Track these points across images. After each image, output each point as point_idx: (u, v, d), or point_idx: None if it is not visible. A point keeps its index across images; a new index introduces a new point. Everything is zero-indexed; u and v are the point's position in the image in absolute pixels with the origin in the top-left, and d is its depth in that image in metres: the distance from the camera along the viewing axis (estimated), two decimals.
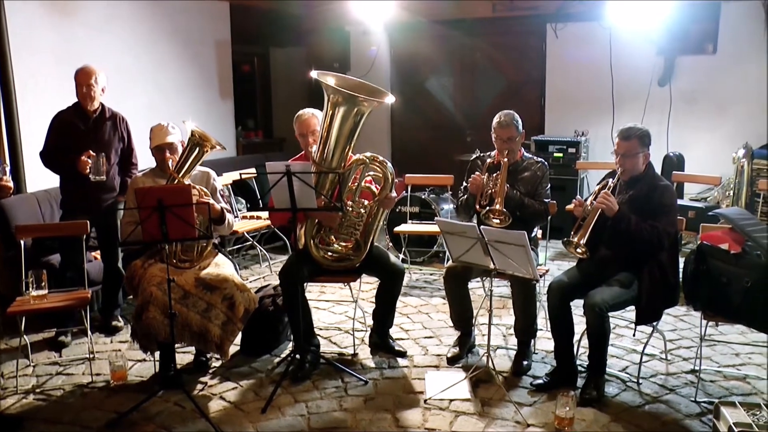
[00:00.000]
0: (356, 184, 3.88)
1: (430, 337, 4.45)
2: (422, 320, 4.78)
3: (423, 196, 6.26)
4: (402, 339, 4.39)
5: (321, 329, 4.62)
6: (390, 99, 3.72)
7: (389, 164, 3.90)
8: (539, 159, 4.08)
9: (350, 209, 3.87)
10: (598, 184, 3.66)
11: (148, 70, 6.44)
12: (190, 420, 3.36)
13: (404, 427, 3.26)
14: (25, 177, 5.22)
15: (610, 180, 3.57)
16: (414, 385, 3.72)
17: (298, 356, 3.81)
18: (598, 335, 3.38)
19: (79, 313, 4.27)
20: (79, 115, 4.38)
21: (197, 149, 3.71)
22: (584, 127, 7.05)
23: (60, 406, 3.61)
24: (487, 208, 3.77)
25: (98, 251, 4.73)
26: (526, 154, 4.11)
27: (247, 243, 6.38)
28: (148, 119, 5.70)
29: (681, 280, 3.54)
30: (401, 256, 6.08)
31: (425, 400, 3.51)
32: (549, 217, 4.21)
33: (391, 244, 6.33)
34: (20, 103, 5.16)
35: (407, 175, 6.04)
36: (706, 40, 6.89)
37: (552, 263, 5.91)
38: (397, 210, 6.32)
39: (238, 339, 4.21)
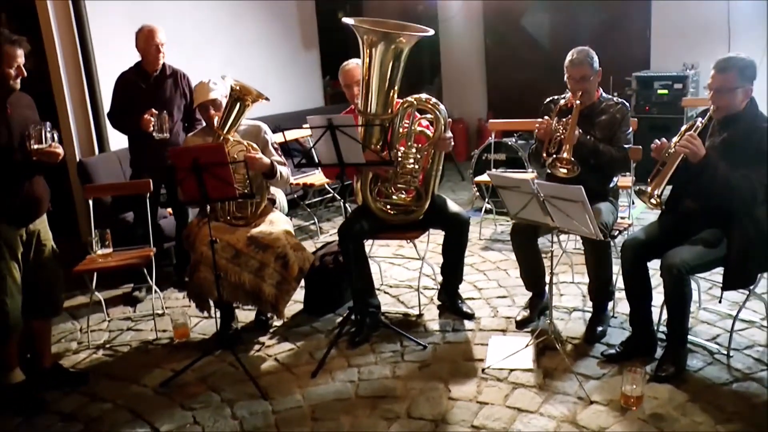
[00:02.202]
0: (407, 129, 3.61)
1: (504, 297, 4.15)
2: (499, 278, 4.47)
3: (510, 143, 5.85)
4: (473, 299, 4.13)
5: (391, 287, 4.46)
6: (428, 32, 3.40)
7: (441, 105, 3.58)
8: (619, 100, 3.59)
9: (402, 156, 3.61)
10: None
11: (224, 24, 6.36)
12: (240, 382, 3.31)
13: (455, 399, 3.03)
14: (108, 137, 5.36)
15: (699, 120, 3.06)
16: (475, 352, 3.46)
17: (353, 317, 3.66)
18: (677, 301, 2.94)
19: (156, 268, 4.37)
20: (140, 75, 4.41)
21: (239, 104, 3.57)
22: (695, 59, 6.24)
23: (124, 362, 3.69)
24: (554, 156, 3.37)
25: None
26: (604, 94, 3.63)
27: (329, 195, 6.28)
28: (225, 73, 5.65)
29: None
30: (487, 205, 5.72)
31: (483, 369, 3.25)
32: (634, 165, 3.74)
33: (477, 193, 6.01)
34: (99, 65, 5.26)
35: (491, 120, 5.64)
36: None
37: (651, 214, 5.34)
38: (483, 158, 5.96)
39: (301, 297, 4.15)
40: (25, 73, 3.15)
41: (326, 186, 5.90)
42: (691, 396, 2.88)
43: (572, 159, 3.29)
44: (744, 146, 2.91)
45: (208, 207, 3.57)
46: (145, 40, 4.33)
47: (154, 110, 4.23)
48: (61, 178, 5.33)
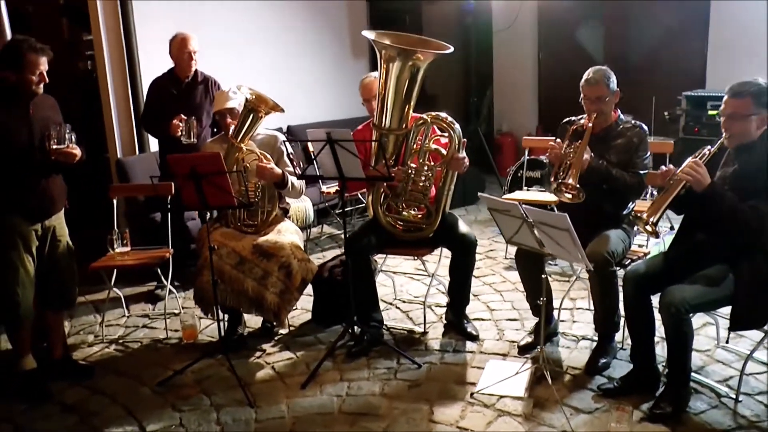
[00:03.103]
0: (420, 146, 3.58)
1: (514, 320, 4.03)
2: (514, 299, 4.34)
3: (545, 160, 5.68)
4: (482, 319, 4.04)
5: (404, 302, 4.41)
6: (447, 50, 3.36)
7: (456, 124, 3.55)
8: (637, 123, 3.43)
9: (414, 173, 3.59)
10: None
11: (271, 30, 6.45)
12: (233, 388, 3.34)
13: (435, 422, 2.96)
14: (148, 138, 5.53)
15: (707, 148, 2.88)
16: (469, 375, 3.37)
17: (351, 331, 3.65)
18: (675, 340, 2.77)
19: (181, 266, 4.48)
20: (173, 81, 4.54)
21: (252, 114, 3.62)
22: (755, 76, 5.84)
23: (132, 359, 3.80)
24: (559, 181, 3.25)
25: None
26: (621, 116, 3.48)
27: (362, 204, 6.28)
28: (269, 80, 5.76)
29: None
30: None
31: (472, 394, 3.16)
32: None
33: None
34: (143, 68, 5.43)
35: (524, 137, 5.52)
36: None
37: None
38: (519, 174, 5.83)
39: (310, 306, 4.17)
40: (47, 80, 3.29)
41: (359, 195, 5.90)
42: None
43: (578, 185, 3.16)
44: (756, 177, 2.73)
45: (209, 213, 3.63)
46: (178, 47, 4.47)
47: (182, 115, 4.35)
48: (105, 176, 5.57)
